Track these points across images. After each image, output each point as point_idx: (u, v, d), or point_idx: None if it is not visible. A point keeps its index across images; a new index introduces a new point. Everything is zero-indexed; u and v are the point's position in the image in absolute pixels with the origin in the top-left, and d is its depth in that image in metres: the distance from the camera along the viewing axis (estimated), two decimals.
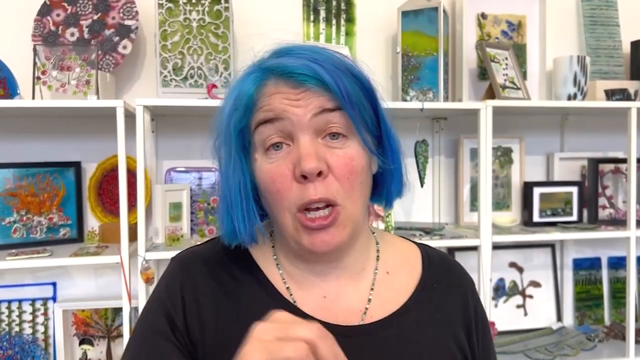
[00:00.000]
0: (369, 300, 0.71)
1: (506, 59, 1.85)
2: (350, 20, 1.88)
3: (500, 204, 1.98)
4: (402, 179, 0.73)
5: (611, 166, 2.00)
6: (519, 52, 1.96)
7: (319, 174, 0.62)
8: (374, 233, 0.78)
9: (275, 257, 0.73)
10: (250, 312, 0.67)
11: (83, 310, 1.73)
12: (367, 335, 0.68)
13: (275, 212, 0.66)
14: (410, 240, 0.82)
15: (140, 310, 1.49)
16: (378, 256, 0.75)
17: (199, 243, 0.79)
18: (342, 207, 0.64)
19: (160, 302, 0.71)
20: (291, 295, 0.70)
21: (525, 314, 2.02)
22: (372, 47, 1.92)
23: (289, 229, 0.65)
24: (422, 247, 0.81)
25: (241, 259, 0.73)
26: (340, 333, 0.65)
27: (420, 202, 1.97)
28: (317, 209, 0.63)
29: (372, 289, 0.72)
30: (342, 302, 0.70)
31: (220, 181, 0.70)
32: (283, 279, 0.71)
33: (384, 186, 0.72)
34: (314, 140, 0.63)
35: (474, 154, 1.93)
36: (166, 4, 1.64)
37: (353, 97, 0.64)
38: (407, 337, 0.69)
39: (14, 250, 1.56)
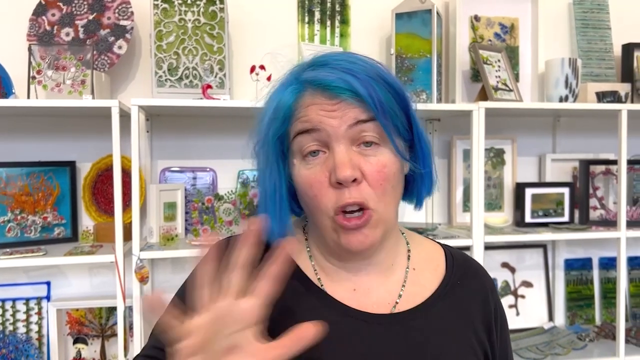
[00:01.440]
0: (400, 295, 0.75)
1: (499, 61, 1.87)
2: (344, 21, 1.90)
3: (492, 204, 2.00)
4: (433, 178, 0.77)
5: (602, 167, 2.02)
6: (512, 55, 1.98)
7: (354, 180, 0.66)
8: (403, 233, 0.82)
9: (308, 249, 0.78)
10: (285, 298, 0.67)
11: (77, 310, 1.73)
12: (396, 323, 0.72)
13: (314, 214, 0.71)
14: (434, 240, 0.86)
15: (134, 310, 1.50)
16: (409, 256, 0.79)
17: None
18: (374, 210, 0.68)
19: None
20: (322, 286, 0.74)
21: (517, 314, 2.04)
22: (366, 49, 1.94)
23: (328, 230, 0.70)
24: (445, 247, 0.85)
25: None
26: (372, 320, 0.71)
27: None
28: (352, 212, 0.67)
29: (403, 285, 0.76)
30: (372, 295, 0.74)
31: (258, 182, 0.75)
32: (315, 270, 0.76)
33: (415, 186, 0.77)
34: (348, 148, 0.67)
35: (467, 154, 1.95)
36: (161, 5, 1.65)
37: (386, 106, 0.67)
38: (431, 328, 0.73)
39: (8, 250, 1.56)
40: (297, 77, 0.71)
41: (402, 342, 0.71)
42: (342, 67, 0.68)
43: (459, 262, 0.81)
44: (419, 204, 0.79)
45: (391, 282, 0.76)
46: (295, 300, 0.71)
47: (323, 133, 0.67)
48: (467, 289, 0.79)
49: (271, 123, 0.70)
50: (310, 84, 0.68)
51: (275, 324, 0.66)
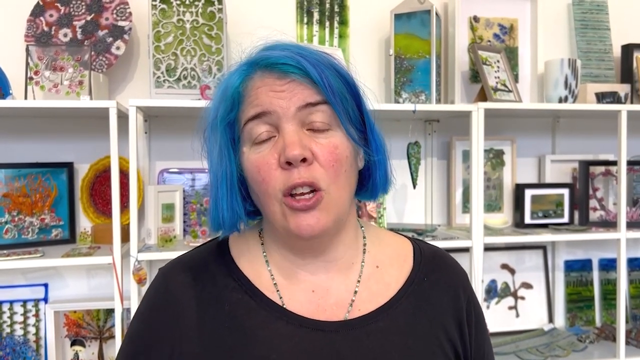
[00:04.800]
0: (355, 292, 0.72)
1: (498, 61, 1.86)
2: (343, 22, 1.89)
3: (492, 205, 2.00)
4: (387, 173, 0.75)
5: (602, 168, 2.02)
6: (511, 55, 1.98)
7: (304, 160, 0.64)
8: (362, 227, 0.79)
9: (264, 253, 0.74)
10: (235, 316, 0.69)
11: (75, 312, 1.72)
12: (353, 329, 0.69)
13: (262, 200, 0.67)
14: (404, 235, 0.83)
15: (132, 311, 1.49)
16: (364, 249, 0.76)
17: (194, 247, 0.81)
18: (326, 192, 0.65)
19: (143, 323, 0.74)
20: (278, 291, 0.71)
21: (517, 315, 2.04)
22: (365, 50, 1.93)
23: (277, 215, 0.66)
24: (415, 241, 0.82)
25: (224, 263, 0.74)
26: (326, 329, 0.68)
27: (413, 203, 1.98)
28: (302, 194, 0.64)
29: (358, 282, 0.73)
30: (331, 296, 0.71)
31: (209, 172, 0.72)
32: (272, 276, 0.72)
33: (369, 180, 0.74)
34: (298, 129, 0.65)
35: (466, 155, 1.94)
36: (160, 5, 1.64)
37: (336, 89, 0.66)
38: (394, 329, 0.70)
39: (5, 251, 1.56)
40: (247, 60, 0.69)
41: (361, 348, 0.68)
42: (291, 49, 0.66)
43: (427, 257, 0.78)
44: (373, 198, 0.77)
45: (351, 281, 0.73)
46: (247, 317, 0.69)
47: (273, 115, 0.65)
48: (435, 284, 0.76)
49: (219, 105, 0.68)
50: (259, 64, 0.67)
51: (227, 346, 0.67)
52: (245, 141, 0.68)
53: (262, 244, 0.75)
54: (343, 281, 0.73)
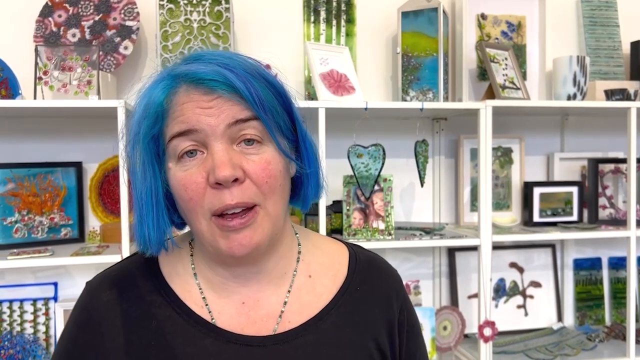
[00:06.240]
0: (285, 303, 0.71)
1: (506, 59, 1.85)
2: (350, 21, 1.89)
3: (500, 204, 1.99)
4: (320, 181, 0.73)
5: (611, 166, 2.00)
6: (519, 53, 1.97)
7: (235, 180, 0.61)
8: (297, 234, 0.77)
9: (193, 266, 0.72)
10: (163, 333, 0.68)
11: None
12: (282, 343, 0.68)
13: (190, 219, 0.65)
14: (342, 241, 0.81)
15: None
16: (299, 258, 0.74)
17: (117, 262, 0.78)
18: (261, 207, 0.63)
19: (69, 339, 0.72)
20: (207, 305, 0.70)
21: (526, 314, 2.03)
22: (372, 48, 1.93)
23: (206, 234, 0.64)
24: (352, 248, 0.80)
25: (152, 278, 0.72)
26: (253, 343, 0.67)
27: (421, 202, 1.97)
28: (234, 215, 0.62)
29: (288, 292, 0.71)
30: (261, 308, 0.70)
31: (132, 189, 0.68)
32: (200, 289, 0.71)
33: (302, 189, 0.72)
34: (228, 148, 0.62)
35: (474, 154, 1.93)
36: (167, 5, 1.65)
37: (266, 103, 0.63)
38: (323, 342, 0.69)
39: (15, 250, 1.57)
40: (170, 72, 0.65)
41: None
42: (217, 61, 0.63)
43: (362, 265, 0.76)
44: (304, 207, 0.74)
45: (282, 292, 0.71)
46: (174, 334, 0.67)
47: (201, 133, 0.62)
48: (368, 293, 0.74)
49: (141, 122, 0.64)
50: (184, 79, 0.63)
51: None
52: (171, 157, 0.64)
53: (192, 255, 0.73)
54: (274, 292, 0.71)
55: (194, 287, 0.71)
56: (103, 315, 0.70)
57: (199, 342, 0.67)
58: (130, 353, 0.67)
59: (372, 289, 0.75)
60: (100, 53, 1.63)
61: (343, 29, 1.89)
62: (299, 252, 0.75)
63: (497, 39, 1.96)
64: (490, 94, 1.78)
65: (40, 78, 1.54)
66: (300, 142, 0.69)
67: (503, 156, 2.00)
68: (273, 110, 0.64)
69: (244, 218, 0.62)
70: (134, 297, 0.70)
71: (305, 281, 0.73)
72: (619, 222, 1.94)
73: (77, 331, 0.71)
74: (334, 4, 1.88)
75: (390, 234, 1.68)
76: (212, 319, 0.69)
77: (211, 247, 0.65)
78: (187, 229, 0.74)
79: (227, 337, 0.67)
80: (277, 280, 0.71)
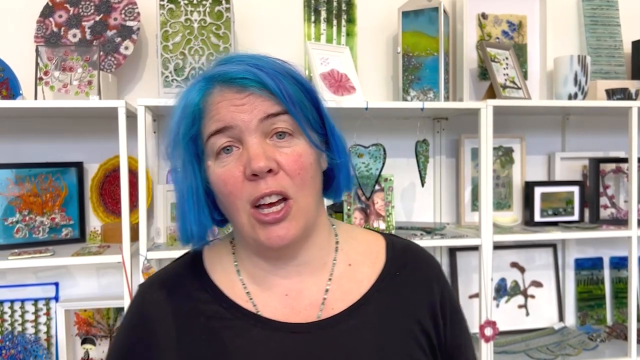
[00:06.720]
0: (327, 291, 0.73)
1: (507, 58, 1.85)
2: (351, 20, 1.89)
3: (501, 203, 1.99)
4: (350, 173, 0.77)
5: (612, 166, 2.00)
6: (520, 52, 1.97)
7: (269, 171, 0.65)
8: (333, 225, 0.80)
9: (235, 263, 0.76)
10: (211, 327, 0.71)
11: (85, 310, 1.74)
12: (326, 328, 0.71)
13: (231, 213, 0.69)
14: (377, 231, 0.84)
15: None
16: (337, 248, 0.77)
17: (165, 265, 0.82)
18: (294, 200, 0.67)
19: (124, 336, 0.77)
20: (251, 299, 0.73)
21: (527, 314, 2.02)
22: (372, 48, 1.93)
23: (246, 227, 0.68)
24: (387, 237, 0.83)
25: (198, 277, 0.76)
26: (299, 330, 0.69)
27: (422, 201, 1.97)
28: (270, 204, 0.66)
29: (329, 280, 0.74)
30: (304, 298, 0.73)
31: (174, 186, 0.73)
32: (244, 284, 0.74)
33: (333, 181, 0.76)
34: (261, 141, 0.66)
35: (475, 153, 1.93)
36: (167, 5, 1.65)
37: (295, 98, 0.67)
38: (367, 326, 0.71)
39: (16, 250, 1.57)
40: (204, 75, 0.70)
41: (334, 347, 0.69)
42: (247, 62, 0.68)
43: (399, 252, 0.80)
44: (337, 198, 0.79)
45: (323, 281, 0.74)
46: (223, 328, 0.71)
47: (236, 129, 0.66)
48: (408, 278, 0.77)
49: (180, 123, 0.69)
50: (217, 79, 0.68)
51: (205, 357, 0.69)
52: (210, 155, 0.68)
53: (234, 253, 0.77)
54: (315, 282, 0.74)
55: (238, 283, 0.74)
56: (155, 314, 0.74)
57: (246, 333, 0.70)
58: (182, 348, 0.71)
59: (412, 273, 0.78)
60: (101, 53, 1.63)
61: (343, 29, 1.89)
62: (337, 243, 0.78)
63: (497, 38, 1.96)
64: (491, 93, 1.78)
65: (41, 78, 1.54)
66: (329, 136, 0.73)
67: (504, 156, 2.00)
68: (302, 105, 0.68)
69: (280, 213, 0.65)
70: (183, 295, 0.74)
71: (345, 269, 0.76)
72: (620, 221, 1.94)
73: (130, 330, 0.76)
74: (335, 3, 1.88)
75: None
76: (257, 311, 0.72)
77: (251, 239, 0.69)
78: (227, 227, 0.78)
79: (273, 326, 0.70)
80: (317, 270, 0.74)
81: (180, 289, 0.75)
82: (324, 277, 0.74)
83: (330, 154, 0.73)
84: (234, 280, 0.75)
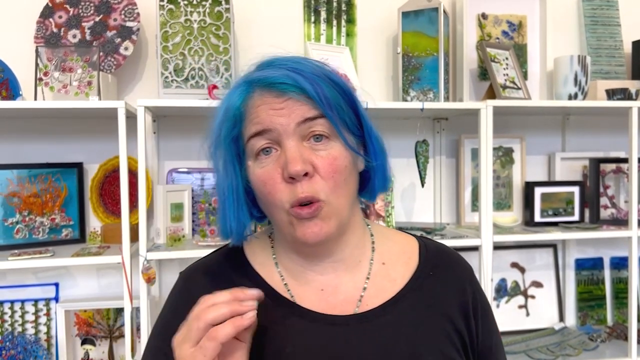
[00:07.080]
0: (364, 288, 0.76)
1: (507, 59, 1.85)
2: (350, 21, 1.89)
3: (501, 204, 1.98)
4: (386, 174, 0.78)
5: (612, 166, 2.00)
6: (520, 52, 1.97)
7: (306, 174, 0.67)
8: (369, 226, 0.82)
9: (274, 256, 0.79)
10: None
11: (85, 311, 1.74)
12: (363, 322, 0.73)
13: (269, 210, 0.72)
14: (409, 233, 0.86)
15: (141, 311, 1.50)
16: (373, 248, 0.80)
17: (210, 252, 0.85)
18: (325, 202, 0.69)
19: (166, 323, 0.77)
20: (289, 291, 0.75)
21: (527, 314, 2.02)
22: (372, 48, 1.93)
23: (284, 224, 0.71)
24: (420, 238, 0.85)
25: (240, 266, 0.79)
26: (337, 322, 0.72)
27: (421, 202, 1.97)
28: (303, 206, 0.68)
29: (367, 279, 0.76)
30: (339, 294, 0.75)
31: (216, 186, 0.77)
32: (282, 277, 0.77)
33: (369, 182, 0.77)
34: (299, 144, 0.68)
35: (475, 154, 1.93)
36: (167, 6, 1.65)
37: (332, 101, 0.69)
38: (402, 323, 0.73)
39: (16, 251, 1.57)
40: (245, 79, 0.72)
41: (372, 339, 0.71)
42: (287, 66, 0.70)
43: (432, 254, 0.82)
44: (372, 199, 0.80)
45: (359, 279, 0.76)
46: (263, 314, 0.71)
47: (274, 132, 0.68)
48: (441, 279, 0.79)
49: (222, 124, 0.72)
50: (257, 84, 0.70)
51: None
52: (249, 155, 0.71)
53: (272, 247, 0.80)
54: (351, 279, 0.76)
55: (276, 275, 0.77)
56: (200, 293, 0.74)
57: (286, 320, 0.73)
58: None
59: (445, 274, 0.80)
60: (101, 54, 1.63)
61: (343, 29, 1.89)
62: (372, 242, 0.80)
63: (497, 38, 1.96)
64: (491, 93, 1.78)
65: (41, 79, 1.54)
66: (366, 137, 0.74)
67: (504, 156, 2.00)
68: (339, 108, 0.70)
69: (311, 209, 0.68)
70: (225, 281, 0.75)
71: (380, 268, 0.78)
72: (621, 222, 1.94)
73: (175, 314, 0.75)
74: (334, 4, 1.88)
75: None
76: (295, 302, 0.74)
77: (289, 235, 0.71)
78: (266, 222, 0.81)
79: (312, 317, 0.73)
80: (352, 268, 0.77)
81: (223, 275, 0.78)
82: (360, 275, 0.77)
83: (367, 156, 0.74)
84: (273, 272, 0.77)
